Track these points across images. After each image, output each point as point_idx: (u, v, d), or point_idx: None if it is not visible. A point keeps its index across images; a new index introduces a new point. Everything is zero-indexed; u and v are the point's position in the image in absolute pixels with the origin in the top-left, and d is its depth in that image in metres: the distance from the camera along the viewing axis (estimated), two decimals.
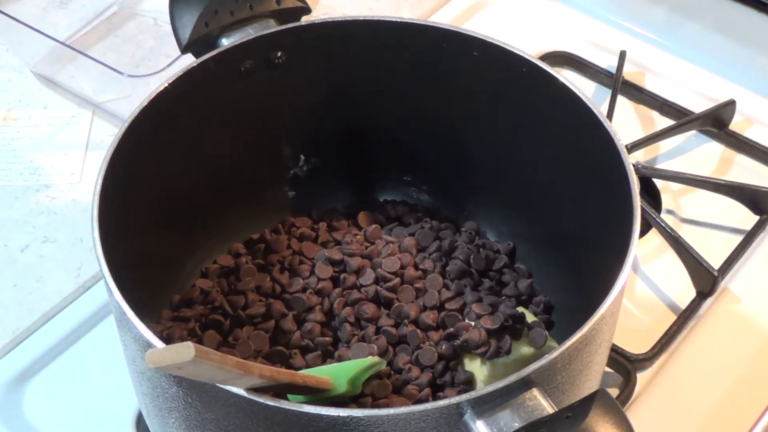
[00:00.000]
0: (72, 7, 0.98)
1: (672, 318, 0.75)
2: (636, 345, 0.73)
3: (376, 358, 0.63)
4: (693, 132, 0.89)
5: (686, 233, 0.78)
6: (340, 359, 0.65)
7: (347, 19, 0.69)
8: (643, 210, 0.77)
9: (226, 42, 0.67)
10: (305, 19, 0.69)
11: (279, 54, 0.67)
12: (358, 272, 0.69)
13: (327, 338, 0.66)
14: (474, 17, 1.00)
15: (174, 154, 0.65)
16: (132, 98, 0.82)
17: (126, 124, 0.61)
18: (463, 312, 0.67)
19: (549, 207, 0.70)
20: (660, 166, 0.87)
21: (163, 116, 0.63)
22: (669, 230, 0.77)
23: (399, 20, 0.68)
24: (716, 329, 0.76)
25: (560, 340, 0.53)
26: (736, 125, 0.89)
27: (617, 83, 0.91)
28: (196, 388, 0.51)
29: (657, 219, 0.78)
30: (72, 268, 0.79)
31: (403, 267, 0.69)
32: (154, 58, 0.93)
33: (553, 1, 1.02)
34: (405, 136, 0.73)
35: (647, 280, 0.79)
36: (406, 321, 0.66)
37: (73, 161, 0.87)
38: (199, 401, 0.51)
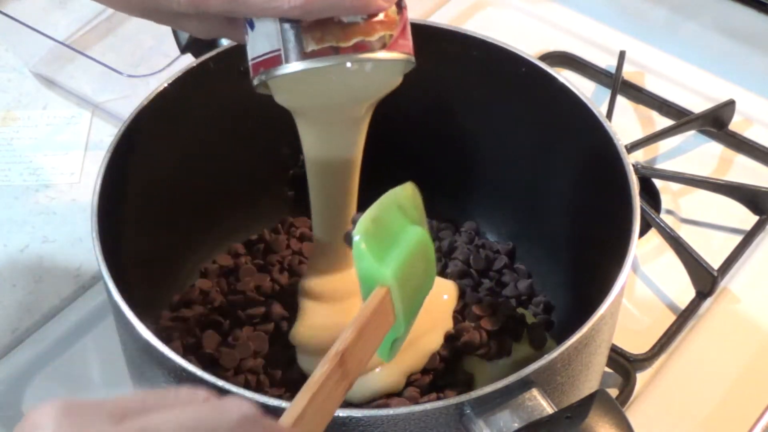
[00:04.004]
0: (71, 7, 0.98)
1: (671, 318, 0.75)
2: (635, 345, 0.73)
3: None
4: (692, 132, 0.89)
5: (686, 233, 0.78)
6: None
7: None
8: (642, 210, 0.77)
9: (225, 42, 0.67)
10: None
11: None
12: None
13: None
14: (474, 17, 1.00)
15: (173, 154, 0.65)
16: (131, 98, 0.82)
17: (125, 124, 0.61)
18: (463, 313, 0.67)
19: (549, 207, 0.70)
20: (659, 166, 0.87)
21: (162, 116, 0.63)
22: (668, 230, 0.77)
23: None
24: (716, 329, 0.76)
25: (560, 341, 0.53)
26: (735, 125, 0.89)
27: (617, 83, 0.91)
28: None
29: (656, 219, 0.78)
30: (71, 269, 0.79)
31: None
32: (153, 58, 0.93)
33: (553, 1, 1.02)
34: (404, 135, 0.73)
35: (647, 280, 0.78)
36: None
37: (73, 161, 0.87)
38: None
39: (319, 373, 0.43)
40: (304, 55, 0.50)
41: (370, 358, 0.47)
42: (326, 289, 0.65)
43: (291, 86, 0.55)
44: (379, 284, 0.49)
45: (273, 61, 0.51)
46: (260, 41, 0.52)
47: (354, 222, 0.51)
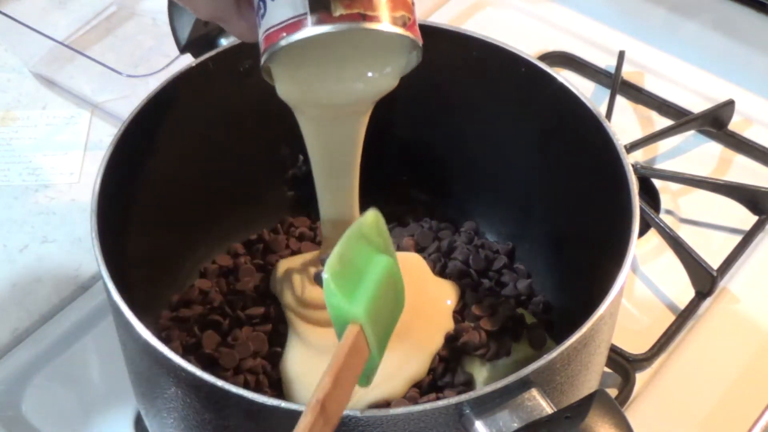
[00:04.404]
0: (71, 7, 0.98)
1: (671, 318, 0.75)
2: (635, 345, 0.73)
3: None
4: (692, 132, 0.89)
5: (685, 233, 0.78)
6: None
7: None
8: (642, 210, 0.77)
9: (224, 42, 0.67)
10: None
11: None
12: None
13: None
14: (474, 17, 1.00)
15: (172, 154, 0.65)
16: (131, 98, 0.82)
17: (125, 125, 0.61)
18: (462, 313, 0.67)
19: (548, 207, 0.70)
20: (659, 166, 0.87)
21: (161, 116, 0.63)
22: (668, 230, 0.77)
23: None
24: (715, 329, 0.76)
25: (559, 341, 0.53)
26: (735, 125, 0.89)
27: (616, 83, 0.91)
28: (195, 389, 0.51)
29: (656, 219, 0.78)
30: (71, 269, 0.79)
31: None
32: (153, 58, 0.93)
33: (553, 1, 1.02)
34: (404, 135, 0.73)
35: (646, 280, 0.79)
36: None
37: (72, 161, 0.87)
38: (198, 401, 0.51)
39: (302, 426, 0.43)
40: (332, 19, 0.50)
41: (350, 395, 0.48)
42: (317, 340, 0.65)
43: (297, 72, 0.54)
44: (351, 322, 0.50)
45: (297, 25, 0.51)
46: (282, 8, 0.51)
47: (323, 262, 0.52)
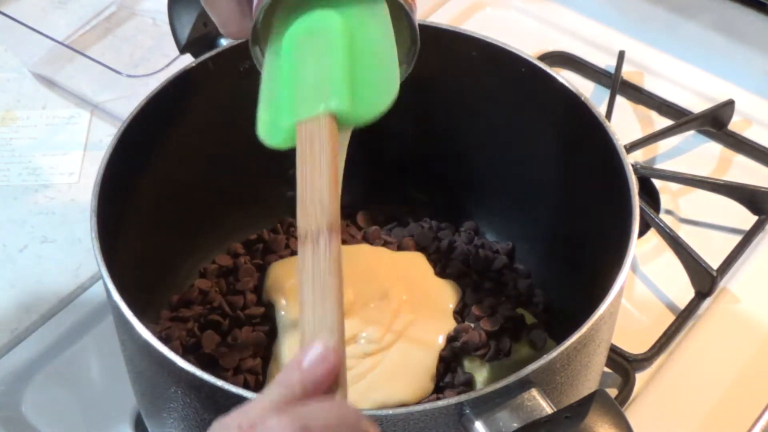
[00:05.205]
0: (71, 7, 0.98)
1: (671, 318, 0.75)
2: (635, 345, 0.73)
3: None
4: (692, 132, 0.89)
5: (685, 233, 0.78)
6: None
7: None
8: (641, 210, 0.77)
9: (224, 42, 0.67)
10: None
11: None
12: None
13: None
14: (473, 17, 1.00)
15: (172, 154, 0.65)
16: (131, 98, 0.82)
17: (124, 125, 0.61)
18: (462, 313, 0.67)
19: (548, 207, 0.70)
20: (659, 166, 0.87)
21: (161, 116, 0.63)
22: (668, 230, 0.77)
23: None
24: (715, 329, 0.76)
25: (559, 341, 0.54)
26: (734, 125, 0.89)
27: (616, 83, 0.91)
28: (195, 389, 0.51)
29: (656, 219, 0.78)
30: (70, 269, 0.79)
31: None
32: (152, 58, 0.93)
33: (552, 1, 1.02)
34: (403, 135, 0.73)
35: (646, 280, 0.79)
36: None
37: (72, 161, 0.87)
38: (198, 401, 0.51)
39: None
40: None
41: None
42: None
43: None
44: (324, 113, 0.50)
45: None
46: None
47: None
